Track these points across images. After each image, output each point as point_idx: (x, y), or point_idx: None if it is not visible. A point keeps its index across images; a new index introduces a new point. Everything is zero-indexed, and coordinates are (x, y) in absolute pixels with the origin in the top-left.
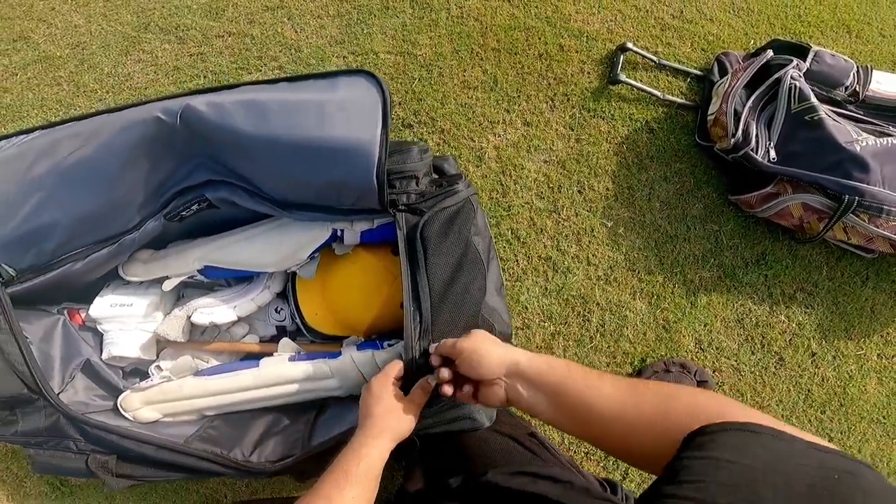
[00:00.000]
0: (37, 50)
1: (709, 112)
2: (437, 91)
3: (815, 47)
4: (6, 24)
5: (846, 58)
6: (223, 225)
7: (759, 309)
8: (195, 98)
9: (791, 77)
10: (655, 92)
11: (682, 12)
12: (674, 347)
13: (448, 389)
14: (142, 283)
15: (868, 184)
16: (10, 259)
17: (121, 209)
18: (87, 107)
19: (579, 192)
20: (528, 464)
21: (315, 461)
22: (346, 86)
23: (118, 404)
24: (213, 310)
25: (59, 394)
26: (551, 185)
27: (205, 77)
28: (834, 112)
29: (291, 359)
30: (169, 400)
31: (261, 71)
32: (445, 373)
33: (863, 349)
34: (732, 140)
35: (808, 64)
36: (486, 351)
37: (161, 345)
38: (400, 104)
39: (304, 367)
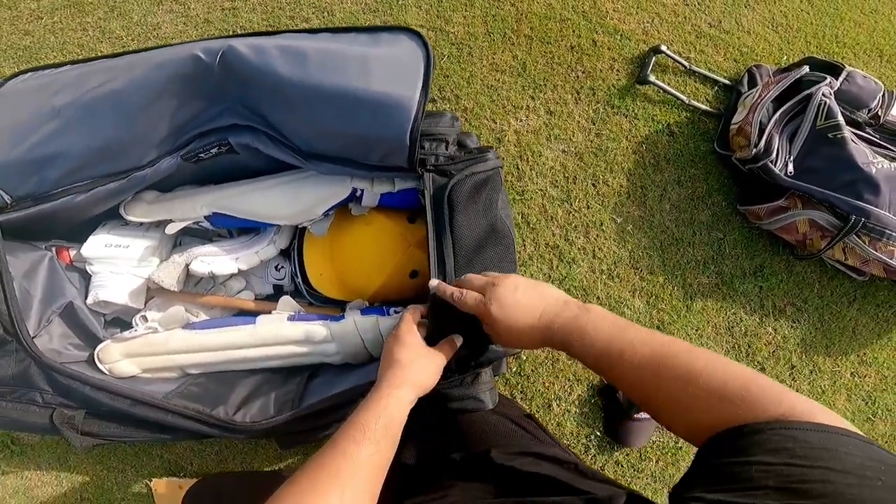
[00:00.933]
0: None
1: (733, 121)
2: (464, 70)
3: (848, 68)
4: None
5: (876, 80)
6: (235, 175)
7: (750, 319)
8: (237, 40)
9: (823, 94)
10: (681, 96)
11: (720, 22)
12: None
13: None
14: (141, 225)
15: (877, 206)
16: (8, 185)
17: (138, 144)
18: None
19: (593, 185)
20: (528, 444)
21: (303, 423)
22: (389, 42)
23: (95, 355)
24: (213, 259)
25: (33, 338)
26: (567, 176)
27: (234, 32)
28: (854, 133)
29: (290, 318)
30: (152, 353)
31: None
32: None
33: (838, 366)
34: (754, 150)
35: (839, 83)
36: (515, 324)
37: (150, 293)
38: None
39: (304, 328)
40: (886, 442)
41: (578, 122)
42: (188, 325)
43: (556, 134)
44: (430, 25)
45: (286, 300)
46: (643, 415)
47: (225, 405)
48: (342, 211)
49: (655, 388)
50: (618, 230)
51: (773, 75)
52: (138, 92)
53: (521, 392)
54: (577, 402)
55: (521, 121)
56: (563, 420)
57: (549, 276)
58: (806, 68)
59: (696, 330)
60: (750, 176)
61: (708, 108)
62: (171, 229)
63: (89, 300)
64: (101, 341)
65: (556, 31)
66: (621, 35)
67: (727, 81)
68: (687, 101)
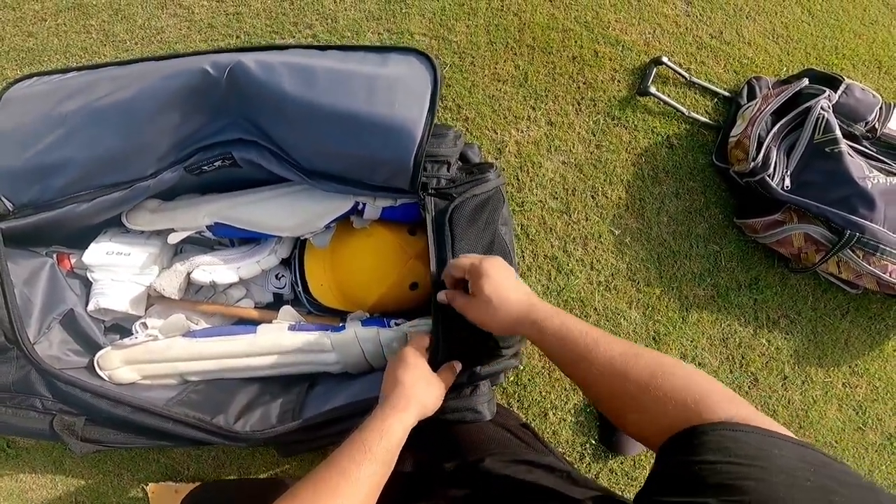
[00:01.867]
0: None
1: (731, 134)
2: (466, 79)
3: (846, 80)
4: None
5: (874, 93)
6: (237, 185)
7: (744, 330)
8: (246, 55)
9: (821, 107)
10: (681, 108)
11: (721, 33)
12: None
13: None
14: (142, 233)
15: (871, 221)
16: (10, 192)
17: (142, 154)
18: (113, 56)
19: (592, 197)
20: (524, 452)
21: (304, 434)
22: (397, 63)
23: (95, 361)
24: (215, 268)
25: (33, 345)
26: (566, 187)
27: (237, 38)
28: (851, 147)
29: (291, 328)
30: (153, 360)
31: (294, 37)
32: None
33: (830, 377)
34: (752, 164)
35: (837, 96)
36: (502, 302)
37: (150, 301)
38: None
39: (304, 338)
40: (877, 451)
41: (579, 133)
42: (188, 333)
43: (556, 145)
44: (433, 34)
45: (287, 310)
46: None
47: (225, 413)
48: (343, 222)
49: (622, 385)
50: (616, 242)
51: (772, 87)
52: (145, 103)
53: (518, 401)
54: (572, 411)
55: (521, 131)
56: (559, 429)
57: (548, 287)
58: (805, 81)
59: (692, 341)
60: (747, 189)
61: (707, 121)
62: (174, 239)
63: (90, 307)
64: (100, 348)
65: (559, 41)
66: (623, 46)
67: (727, 93)
68: (687, 113)
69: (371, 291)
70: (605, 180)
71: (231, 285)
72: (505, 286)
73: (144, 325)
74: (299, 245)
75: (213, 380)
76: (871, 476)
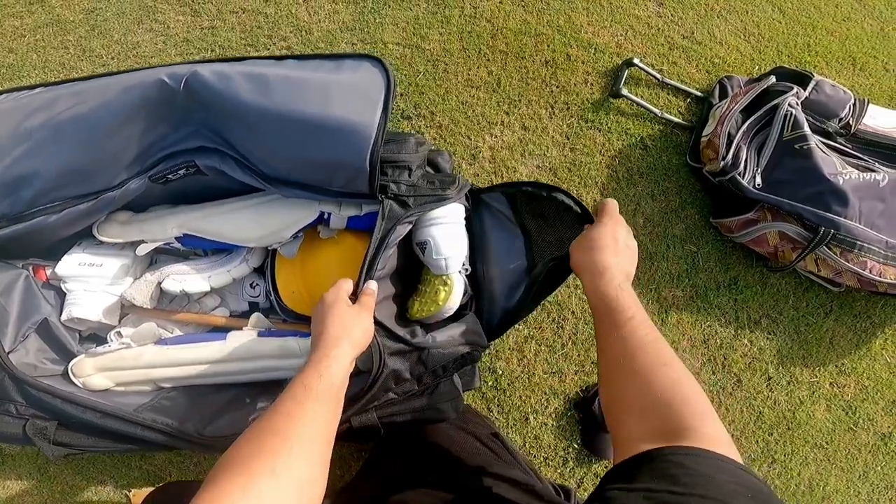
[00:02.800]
0: (51, 13)
1: (703, 133)
2: (440, 86)
3: (816, 76)
4: None
5: (846, 89)
6: (206, 195)
7: (725, 331)
8: (202, 66)
9: (789, 104)
10: (654, 109)
11: (692, 33)
12: None
13: None
14: (114, 244)
15: (845, 218)
16: None
17: (107, 166)
18: (90, 71)
19: None
20: (490, 464)
21: None
22: (352, 69)
23: (69, 369)
24: (185, 277)
25: (8, 353)
26: None
27: (213, 51)
28: (824, 143)
29: (261, 334)
30: (125, 368)
31: (269, 49)
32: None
33: (816, 377)
34: (722, 163)
35: (807, 93)
36: (602, 251)
37: (125, 311)
38: (402, 95)
39: (274, 343)
40: (870, 452)
41: (553, 136)
42: (160, 341)
43: (530, 149)
44: (407, 43)
45: (257, 316)
46: None
47: (194, 420)
48: (312, 232)
49: (631, 363)
50: None
51: (743, 86)
52: (105, 115)
53: (499, 405)
54: (553, 415)
55: (495, 136)
56: (541, 433)
57: None
58: (773, 78)
59: (672, 343)
60: (721, 189)
61: (680, 121)
62: (142, 250)
63: (63, 317)
64: (75, 356)
65: (531, 46)
66: (595, 48)
67: (699, 93)
68: (660, 114)
69: None
70: (580, 183)
71: (204, 294)
72: (613, 245)
73: (119, 334)
74: (271, 254)
75: (185, 387)
76: (865, 477)
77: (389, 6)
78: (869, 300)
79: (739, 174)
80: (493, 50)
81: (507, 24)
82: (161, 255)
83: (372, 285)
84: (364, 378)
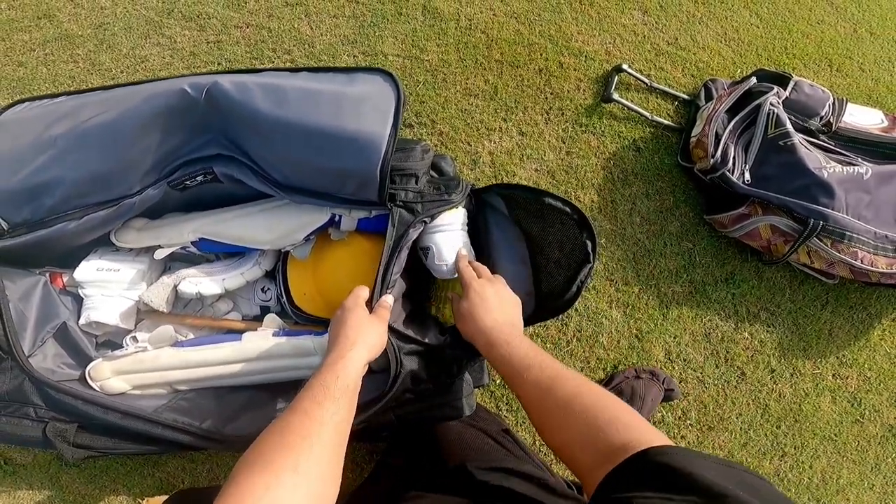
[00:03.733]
0: (59, 28)
1: (692, 134)
2: (439, 95)
3: (795, 77)
4: (34, 2)
5: (824, 89)
6: (220, 203)
7: (725, 325)
8: (222, 77)
9: (770, 103)
10: (644, 113)
11: (676, 39)
12: (645, 356)
13: None
14: (130, 251)
15: (833, 209)
16: (6, 212)
17: (127, 173)
18: (100, 84)
19: None
20: (502, 459)
21: None
22: (364, 82)
23: (86, 373)
24: (201, 280)
25: (28, 357)
26: None
27: (219, 64)
28: (807, 140)
29: (275, 334)
30: (142, 370)
31: (273, 62)
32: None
33: (819, 368)
34: (711, 160)
35: (787, 92)
36: (476, 319)
37: (140, 316)
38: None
39: (289, 343)
40: (879, 444)
41: (549, 141)
42: (176, 343)
43: (528, 154)
44: (406, 54)
45: (271, 317)
46: None
47: (213, 419)
48: (323, 233)
49: (548, 406)
50: None
51: (727, 88)
52: (129, 123)
53: (507, 403)
54: None
55: (494, 142)
56: None
57: None
58: (753, 80)
59: (674, 338)
60: (712, 186)
61: (670, 123)
62: (160, 255)
63: (81, 321)
64: (92, 360)
65: (525, 55)
66: (586, 56)
67: (686, 96)
68: (650, 117)
69: None
70: (577, 185)
71: (218, 298)
72: (482, 308)
73: (135, 339)
74: (282, 257)
75: (201, 389)
76: (877, 469)
77: (388, 20)
78: (863, 292)
79: (729, 171)
80: (488, 60)
81: (501, 34)
82: (174, 263)
83: (388, 300)
84: (379, 379)
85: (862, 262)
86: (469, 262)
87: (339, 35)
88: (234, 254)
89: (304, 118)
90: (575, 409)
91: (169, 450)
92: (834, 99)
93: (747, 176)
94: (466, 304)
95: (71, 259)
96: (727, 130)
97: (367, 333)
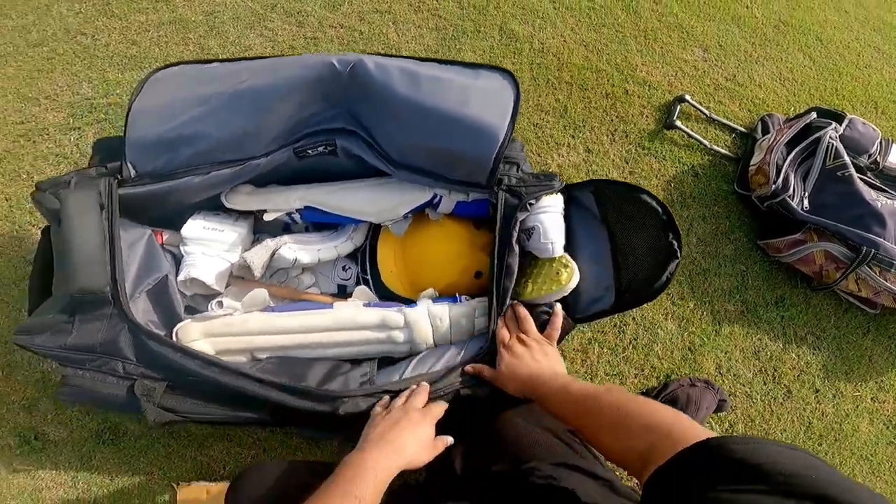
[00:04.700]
0: (174, 12)
1: (751, 163)
2: None
3: (849, 115)
4: None
5: (874, 127)
6: (327, 178)
7: (774, 345)
8: (367, 56)
9: (830, 136)
10: (704, 141)
11: (735, 76)
12: (696, 368)
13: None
14: (230, 214)
15: (884, 239)
16: (137, 160)
17: (262, 135)
18: None
19: None
20: (569, 457)
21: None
22: (487, 78)
23: (174, 333)
24: (299, 247)
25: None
26: None
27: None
28: (858, 176)
29: (366, 305)
30: (230, 334)
31: None
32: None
33: (859, 391)
34: (773, 186)
35: (842, 129)
36: (510, 379)
37: (228, 281)
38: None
39: (379, 313)
40: None
41: (613, 160)
42: (267, 308)
43: (593, 169)
44: None
45: (362, 289)
46: None
47: (306, 381)
48: (418, 214)
49: (597, 415)
50: None
51: (782, 123)
52: (276, 89)
53: None
54: None
55: (562, 156)
56: None
57: None
58: (813, 115)
59: (725, 353)
60: (769, 212)
61: (727, 153)
62: (269, 217)
63: (181, 276)
64: (179, 321)
65: (593, 79)
66: (649, 85)
67: (743, 129)
68: (709, 146)
69: (438, 279)
70: None
71: (302, 271)
72: (519, 367)
73: (220, 304)
74: (370, 236)
75: (283, 357)
76: None
77: (467, 35)
78: None
79: (789, 197)
80: (559, 80)
81: (572, 59)
82: (262, 234)
83: (449, 440)
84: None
85: None
86: (506, 323)
87: (422, 44)
88: (325, 228)
89: (435, 103)
90: (630, 410)
91: (249, 421)
92: (882, 138)
93: (806, 203)
94: (506, 364)
95: (172, 221)
96: (788, 160)
97: (416, 451)
